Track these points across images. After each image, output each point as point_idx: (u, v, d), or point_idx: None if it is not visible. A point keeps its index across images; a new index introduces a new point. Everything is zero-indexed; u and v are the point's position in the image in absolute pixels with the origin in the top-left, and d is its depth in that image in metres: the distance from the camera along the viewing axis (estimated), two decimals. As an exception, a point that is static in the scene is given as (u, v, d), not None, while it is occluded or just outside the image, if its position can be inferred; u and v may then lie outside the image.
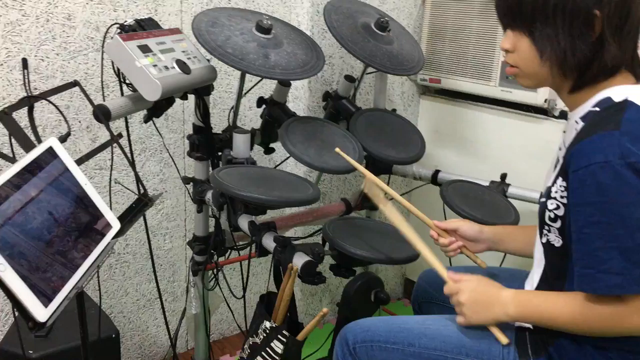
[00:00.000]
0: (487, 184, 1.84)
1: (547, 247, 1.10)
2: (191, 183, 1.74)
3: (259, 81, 1.88)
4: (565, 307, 1.04)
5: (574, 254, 1.01)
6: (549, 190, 1.07)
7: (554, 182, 1.06)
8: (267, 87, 2.01)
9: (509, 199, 1.76)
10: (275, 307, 1.43)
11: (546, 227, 1.09)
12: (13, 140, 1.07)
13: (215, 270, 1.80)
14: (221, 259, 1.83)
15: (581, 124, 1.05)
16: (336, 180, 2.32)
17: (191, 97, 1.65)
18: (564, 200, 1.03)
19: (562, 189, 1.03)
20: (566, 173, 1.01)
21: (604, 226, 0.96)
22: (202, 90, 1.60)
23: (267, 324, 1.42)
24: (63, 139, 1.09)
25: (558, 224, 1.06)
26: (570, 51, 1.02)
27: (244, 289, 1.70)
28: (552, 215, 1.06)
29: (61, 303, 0.93)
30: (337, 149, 1.44)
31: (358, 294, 1.53)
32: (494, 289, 1.13)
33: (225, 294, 1.90)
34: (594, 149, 0.95)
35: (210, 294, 1.86)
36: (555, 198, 1.05)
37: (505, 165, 2.01)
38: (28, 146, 1.03)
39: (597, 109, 1.03)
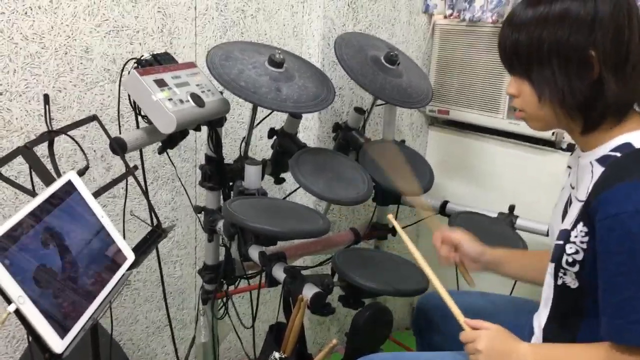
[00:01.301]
0: (495, 215, 1.85)
1: (562, 288, 1.09)
2: (202, 212, 1.77)
3: (270, 113, 1.91)
4: (589, 359, 1.02)
5: (601, 303, 1.00)
6: (567, 234, 1.06)
7: (574, 226, 1.05)
8: (278, 118, 2.05)
9: (517, 231, 1.77)
10: (285, 337, 1.44)
11: (562, 271, 1.08)
12: (33, 173, 1.10)
13: (224, 299, 1.81)
14: (231, 288, 1.84)
15: (598, 167, 1.05)
16: (345, 210, 2.34)
17: (204, 127, 1.68)
18: (584, 246, 1.03)
19: (583, 234, 1.02)
20: (589, 218, 1.01)
21: (634, 275, 0.95)
22: (215, 122, 1.64)
23: (277, 354, 1.42)
24: (81, 173, 1.12)
25: (576, 268, 1.05)
26: (569, 92, 1.02)
27: (254, 319, 1.71)
28: (571, 260, 1.05)
29: (77, 334, 0.95)
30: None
31: (367, 325, 1.53)
32: (513, 340, 1.11)
33: (234, 323, 1.91)
34: (623, 198, 0.95)
35: (220, 323, 1.87)
36: (574, 242, 1.04)
37: (514, 196, 2.02)
38: (48, 180, 1.06)
39: (617, 154, 1.03)
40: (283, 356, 1.41)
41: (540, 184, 2.07)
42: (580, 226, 1.03)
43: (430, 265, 1.27)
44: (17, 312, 0.88)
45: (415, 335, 1.56)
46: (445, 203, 1.99)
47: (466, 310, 1.17)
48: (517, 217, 1.82)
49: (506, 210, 1.85)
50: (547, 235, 1.75)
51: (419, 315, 1.52)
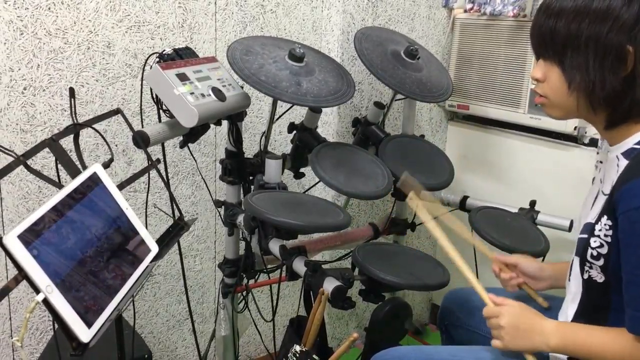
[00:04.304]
0: (516, 210, 1.84)
1: (589, 282, 1.09)
2: (222, 206, 1.78)
3: (290, 107, 1.92)
4: (613, 345, 1.02)
5: (625, 295, 1.00)
6: (592, 227, 1.06)
7: (598, 219, 1.05)
8: (297, 113, 2.05)
9: (539, 226, 1.76)
10: (306, 331, 1.44)
11: (588, 264, 1.08)
12: (59, 166, 1.11)
13: (244, 292, 1.82)
14: (251, 282, 1.85)
15: (623, 160, 1.05)
16: (364, 205, 2.34)
17: (224, 122, 1.69)
18: (609, 239, 1.02)
19: (607, 227, 1.02)
20: (613, 212, 1.00)
21: None
22: (235, 117, 1.64)
23: (297, 347, 1.43)
24: (106, 165, 1.13)
25: (601, 261, 1.05)
26: (600, 84, 1.02)
27: (274, 312, 1.71)
28: (595, 253, 1.05)
29: (103, 324, 0.96)
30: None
31: (387, 320, 1.53)
32: (537, 318, 1.12)
33: (253, 316, 1.92)
34: None
35: (239, 316, 1.88)
36: (599, 236, 1.04)
37: (534, 192, 2.01)
38: (73, 172, 1.07)
39: None
40: (304, 349, 1.42)
41: (562, 179, 2.05)
42: (604, 219, 1.03)
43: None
44: (45, 302, 0.89)
45: (440, 332, 1.55)
46: (465, 198, 1.98)
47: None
48: (538, 212, 1.81)
49: (527, 206, 1.84)
50: (569, 230, 1.74)
51: (444, 312, 1.52)
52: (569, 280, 1.17)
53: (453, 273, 1.46)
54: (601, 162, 1.18)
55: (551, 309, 1.40)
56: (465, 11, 2.28)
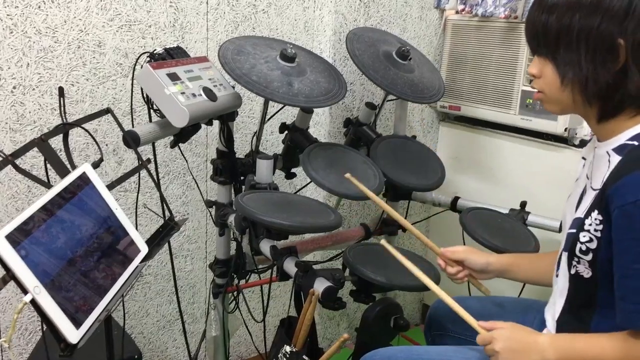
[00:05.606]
0: (506, 211, 1.84)
1: (576, 278, 1.09)
2: (213, 206, 1.77)
3: (281, 108, 1.91)
4: (609, 349, 1.01)
5: (619, 290, 0.99)
6: (581, 222, 1.06)
7: (588, 214, 1.05)
8: (289, 113, 2.05)
9: (529, 227, 1.77)
10: (296, 331, 1.44)
11: (575, 259, 1.07)
12: (48, 165, 1.10)
13: (235, 293, 1.81)
14: (241, 282, 1.85)
15: (615, 156, 1.05)
16: (355, 205, 2.34)
17: (215, 122, 1.69)
18: (598, 234, 1.02)
19: (597, 222, 1.02)
20: (604, 207, 1.00)
21: None
22: (227, 117, 1.64)
23: (288, 348, 1.43)
24: (96, 165, 1.12)
25: (589, 256, 1.05)
26: (592, 78, 1.03)
27: (264, 313, 1.71)
28: (584, 248, 1.05)
29: (92, 325, 0.95)
30: (348, 175, 1.44)
31: (377, 320, 1.53)
32: (530, 335, 1.10)
33: (244, 317, 1.91)
34: None
35: (230, 317, 1.88)
36: (588, 231, 1.04)
37: (525, 193, 2.01)
38: (63, 172, 1.07)
39: (635, 142, 1.03)
40: (294, 350, 1.41)
41: (552, 180, 2.06)
42: (594, 214, 1.03)
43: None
44: (33, 303, 0.88)
45: (427, 343, 1.55)
46: (456, 199, 1.98)
47: (475, 315, 1.17)
48: (528, 213, 1.82)
49: (517, 207, 1.84)
50: (559, 231, 1.75)
51: (432, 323, 1.51)
52: (557, 276, 1.17)
53: (444, 274, 1.46)
54: (584, 158, 1.19)
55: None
56: (457, 12, 2.29)
